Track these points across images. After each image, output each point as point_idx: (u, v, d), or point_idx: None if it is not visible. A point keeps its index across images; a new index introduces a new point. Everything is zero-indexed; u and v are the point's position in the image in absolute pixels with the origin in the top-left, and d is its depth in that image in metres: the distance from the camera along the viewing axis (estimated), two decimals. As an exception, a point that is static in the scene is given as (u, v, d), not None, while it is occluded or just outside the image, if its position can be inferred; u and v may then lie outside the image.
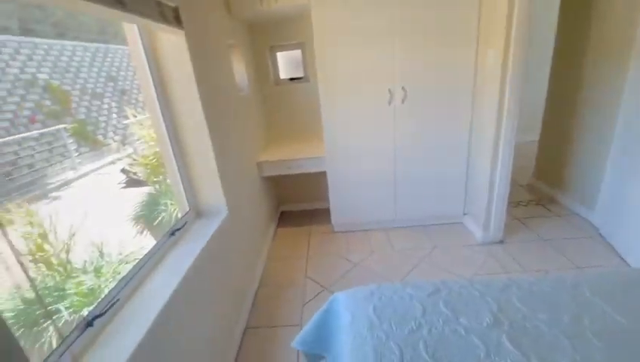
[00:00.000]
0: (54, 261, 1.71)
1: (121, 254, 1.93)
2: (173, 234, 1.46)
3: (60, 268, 1.71)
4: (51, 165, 2.59)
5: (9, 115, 2.33)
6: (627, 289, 1.22)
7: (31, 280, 1.45)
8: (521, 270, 2.20)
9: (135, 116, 3.21)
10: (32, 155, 2.43)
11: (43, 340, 1.49)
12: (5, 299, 1.54)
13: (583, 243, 2.41)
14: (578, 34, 2.63)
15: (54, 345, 0.85)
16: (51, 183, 2.53)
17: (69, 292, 1.64)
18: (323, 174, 2.74)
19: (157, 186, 2.64)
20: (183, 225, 1.54)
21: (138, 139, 2.88)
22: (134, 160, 2.85)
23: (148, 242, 2.40)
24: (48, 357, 0.81)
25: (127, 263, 1.85)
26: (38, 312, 1.47)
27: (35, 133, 2.50)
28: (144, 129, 2.74)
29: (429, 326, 1.13)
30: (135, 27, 1.34)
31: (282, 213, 3.40)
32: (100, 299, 1.02)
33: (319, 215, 3.20)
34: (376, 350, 1.06)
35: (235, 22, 2.40)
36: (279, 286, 2.27)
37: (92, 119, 3.29)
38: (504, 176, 2.29)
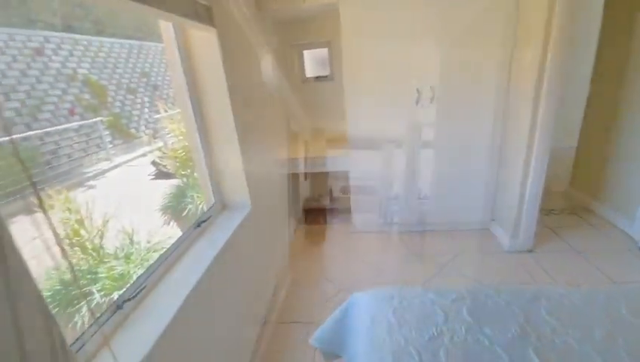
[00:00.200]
0: (89, 246, 1.81)
1: (149, 242, 2.02)
2: (199, 225, 1.51)
3: (94, 253, 1.81)
4: (88, 155, 2.75)
5: (51, 107, 2.49)
6: (670, 309, 1.14)
7: (70, 263, 1.55)
8: (550, 281, 2.09)
9: (166, 111, 3.33)
10: (71, 146, 2.59)
11: (75, 320, 1.59)
12: (44, 279, 1.65)
13: (619, 256, 2.26)
14: (623, 32, 2.46)
15: (85, 326, 0.90)
16: (87, 172, 2.69)
17: (100, 276, 1.74)
18: (345, 173, 2.73)
19: (184, 179, 2.73)
20: (208, 218, 1.58)
21: (168, 133, 2.99)
22: (164, 153, 2.96)
23: (174, 232, 2.49)
24: (81, 335, 0.86)
25: (154, 251, 1.93)
26: (73, 293, 1.57)
27: (74, 124, 2.66)
28: (174, 123, 2.84)
29: (451, 334, 1.10)
30: (170, 25, 1.39)
31: (305, 211, 3.42)
32: (129, 284, 1.07)
33: (341, 214, 3.19)
34: (395, 354, 1.04)
35: (264, 20, 2.43)
36: (298, 283, 2.29)
37: (126, 113, 3.45)
38: (537, 183, 2.17)
